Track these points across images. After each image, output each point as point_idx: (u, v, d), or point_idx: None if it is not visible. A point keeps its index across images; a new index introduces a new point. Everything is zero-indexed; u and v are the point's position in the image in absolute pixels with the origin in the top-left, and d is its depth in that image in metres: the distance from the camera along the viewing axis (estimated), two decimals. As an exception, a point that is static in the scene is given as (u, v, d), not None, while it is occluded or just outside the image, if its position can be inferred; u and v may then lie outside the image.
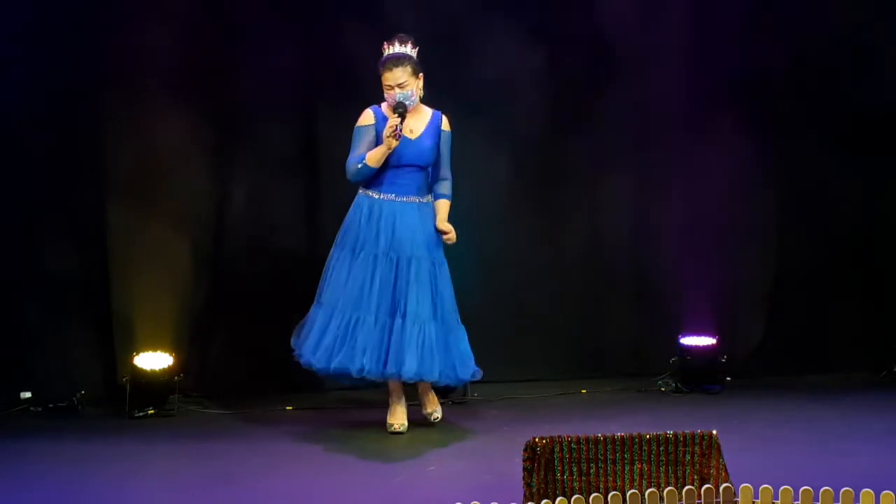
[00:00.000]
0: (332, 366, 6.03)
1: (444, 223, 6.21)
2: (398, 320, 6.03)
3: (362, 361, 5.98)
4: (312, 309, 6.22)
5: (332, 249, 6.25)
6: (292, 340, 6.24)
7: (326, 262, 6.25)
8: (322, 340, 6.08)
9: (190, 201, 7.02)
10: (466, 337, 6.23)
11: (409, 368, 5.98)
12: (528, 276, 7.43)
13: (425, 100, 6.26)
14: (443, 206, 6.25)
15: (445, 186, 6.29)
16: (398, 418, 6.23)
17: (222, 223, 7.10)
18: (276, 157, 7.16)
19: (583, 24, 7.38)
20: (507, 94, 7.32)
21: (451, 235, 6.21)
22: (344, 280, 6.12)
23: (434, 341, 6.03)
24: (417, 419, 6.36)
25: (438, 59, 6.52)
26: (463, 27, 7.22)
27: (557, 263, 7.46)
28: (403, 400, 6.29)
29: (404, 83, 6.09)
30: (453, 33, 7.17)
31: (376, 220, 6.14)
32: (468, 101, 7.00)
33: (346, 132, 6.29)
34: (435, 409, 6.37)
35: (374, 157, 6.08)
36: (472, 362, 6.21)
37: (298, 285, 7.11)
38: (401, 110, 6.05)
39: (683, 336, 7.26)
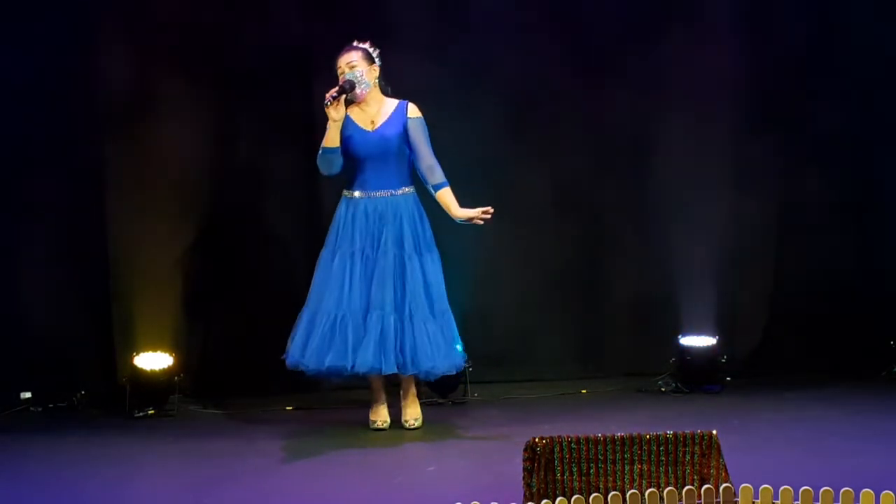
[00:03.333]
0: (326, 364, 6.06)
1: (460, 211, 6.10)
2: (367, 315, 6.08)
3: (354, 358, 6.03)
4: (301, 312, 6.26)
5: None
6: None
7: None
8: (310, 341, 6.12)
9: (191, 201, 7.02)
10: (453, 326, 6.21)
11: (364, 362, 6.01)
12: (528, 275, 7.42)
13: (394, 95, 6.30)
14: (446, 196, 6.13)
15: (436, 174, 6.15)
16: (380, 415, 6.27)
17: (223, 223, 7.10)
18: (278, 159, 7.15)
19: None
20: (510, 92, 7.33)
21: (477, 215, 6.08)
22: (324, 280, 6.18)
23: (392, 334, 6.06)
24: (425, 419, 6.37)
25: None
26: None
27: (557, 263, 7.46)
28: (384, 396, 6.30)
29: (354, 63, 6.15)
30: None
31: (351, 218, 6.19)
32: (472, 98, 7.00)
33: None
34: (414, 418, 6.32)
35: (326, 137, 6.15)
36: (455, 353, 6.20)
37: (299, 287, 7.12)
38: (347, 87, 6.12)
39: (683, 336, 7.26)
